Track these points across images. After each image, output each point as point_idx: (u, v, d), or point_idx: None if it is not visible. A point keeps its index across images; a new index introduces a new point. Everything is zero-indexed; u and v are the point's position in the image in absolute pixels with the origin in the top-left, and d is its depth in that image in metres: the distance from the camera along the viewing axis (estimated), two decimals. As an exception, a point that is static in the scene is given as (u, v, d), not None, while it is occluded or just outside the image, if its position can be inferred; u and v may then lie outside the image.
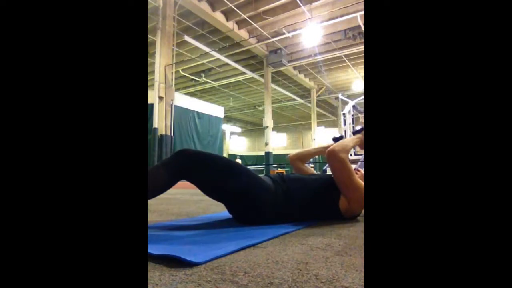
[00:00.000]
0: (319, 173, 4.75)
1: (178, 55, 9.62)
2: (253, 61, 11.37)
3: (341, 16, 7.81)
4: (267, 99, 11.20)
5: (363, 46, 7.56)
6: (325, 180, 1.33)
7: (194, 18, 8.45)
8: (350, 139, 1.38)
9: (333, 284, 0.57)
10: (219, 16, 8.32)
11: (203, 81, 12.57)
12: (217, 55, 9.58)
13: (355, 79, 12.80)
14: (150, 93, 6.76)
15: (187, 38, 8.48)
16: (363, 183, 1.26)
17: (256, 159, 21.09)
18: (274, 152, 12.38)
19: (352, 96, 10.22)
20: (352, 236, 1.01)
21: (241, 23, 8.88)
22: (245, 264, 0.69)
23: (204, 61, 10.77)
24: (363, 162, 4.20)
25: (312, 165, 10.82)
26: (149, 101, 6.72)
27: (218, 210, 1.77)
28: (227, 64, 10.51)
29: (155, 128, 6.75)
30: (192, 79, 12.35)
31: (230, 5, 7.73)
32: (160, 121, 6.82)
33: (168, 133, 6.96)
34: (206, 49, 9.06)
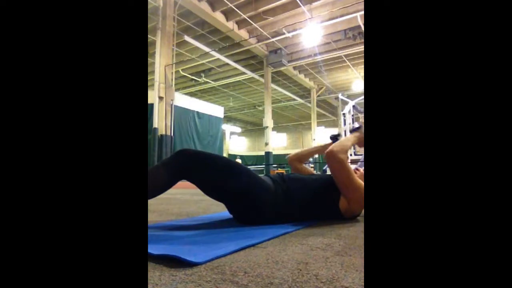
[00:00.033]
0: (319, 173, 4.75)
1: (178, 55, 9.62)
2: (253, 61, 11.37)
3: (341, 16, 7.81)
4: (267, 99, 11.20)
5: (363, 46, 7.58)
6: (325, 180, 1.33)
7: (194, 18, 8.45)
8: (348, 137, 1.37)
9: (333, 284, 0.57)
10: (219, 16, 8.32)
11: (203, 81, 12.57)
12: (217, 55, 9.58)
13: (355, 79, 12.80)
14: (150, 93, 6.76)
15: (187, 38, 8.48)
16: (362, 182, 1.26)
17: (256, 159, 21.08)
18: (274, 152, 12.37)
19: (352, 96, 10.21)
20: (352, 236, 1.01)
21: (241, 23, 8.88)
22: (245, 264, 0.69)
23: (204, 61, 10.77)
24: (363, 162, 4.20)
25: (312, 165, 10.82)
26: (149, 101, 6.73)
27: (218, 210, 1.77)
28: (227, 64, 10.51)
29: (155, 128, 6.75)
30: (192, 79, 12.35)
31: (230, 5, 7.73)
32: (160, 121, 6.82)
33: (168, 133, 6.96)
34: (206, 49, 9.06)
